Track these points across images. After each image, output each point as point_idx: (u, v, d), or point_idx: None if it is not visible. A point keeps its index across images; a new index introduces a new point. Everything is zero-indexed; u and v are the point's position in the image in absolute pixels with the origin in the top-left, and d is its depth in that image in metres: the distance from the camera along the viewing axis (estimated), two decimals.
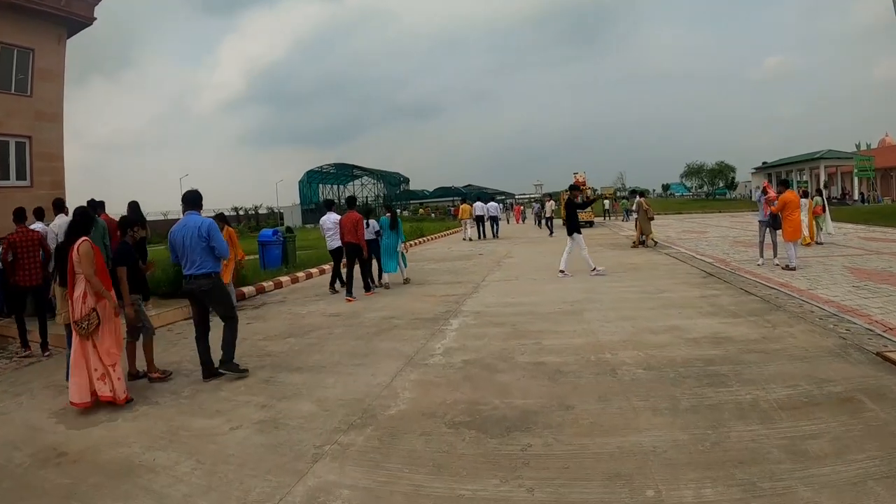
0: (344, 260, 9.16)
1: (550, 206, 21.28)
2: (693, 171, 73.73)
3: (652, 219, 14.42)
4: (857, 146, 48.74)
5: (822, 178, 46.68)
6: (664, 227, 23.84)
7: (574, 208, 9.98)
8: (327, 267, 11.63)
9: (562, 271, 9.62)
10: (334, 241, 9.31)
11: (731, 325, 5.85)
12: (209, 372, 4.72)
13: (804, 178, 49.12)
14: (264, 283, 10.61)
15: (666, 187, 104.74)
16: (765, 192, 10.04)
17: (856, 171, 43.00)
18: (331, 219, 9.53)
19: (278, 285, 10.91)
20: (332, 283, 9.75)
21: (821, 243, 13.19)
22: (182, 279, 4.79)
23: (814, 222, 13.12)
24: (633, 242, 14.55)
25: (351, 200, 10.14)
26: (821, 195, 14.37)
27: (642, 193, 16.76)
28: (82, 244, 4.16)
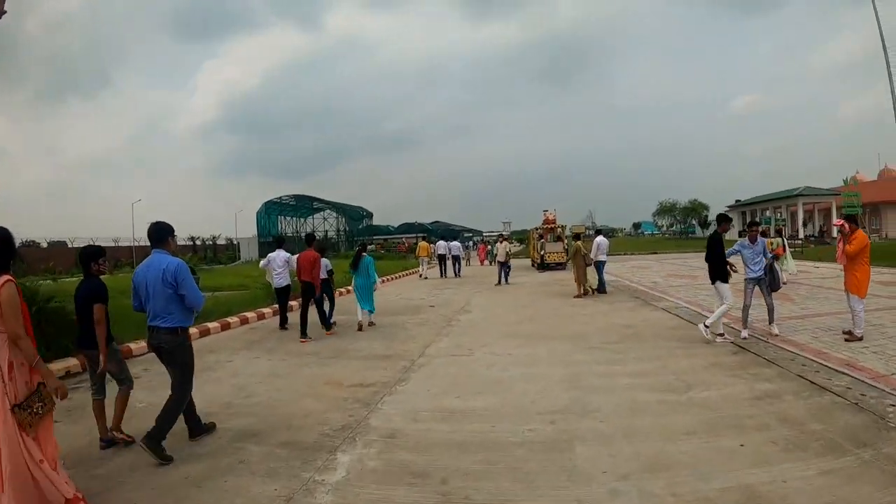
0: (296, 300, 9.69)
1: (504, 247, 18.95)
2: (665, 210, 77.30)
3: (589, 265, 13.70)
4: (845, 181, 50.86)
5: (801, 215, 48.08)
6: (644, 269, 23.59)
7: (722, 249, 7.74)
8: (238, 318, 10.91)
9: (720, 334, 7.69)
10: (281, 280, 9.96)
11: (845, 476, 3.46)
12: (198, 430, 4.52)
13: (782, 215, 50.35)
14: (131, 344, 8.27)
15: (637, 226, 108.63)
16: (840, 230, 7.85)
17: (844, 207, 44.09)
18: (280, 256, 10.03)
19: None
20: (281, 324, 10.22)
21: (784, 283, 13.34)
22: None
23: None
24: (578, 292, 13.68)
25: (310, 238, 10.15)
26: (780, 235, 16.46)
27: (600, 232, 16.30)
28: (4, 286, 3.13)
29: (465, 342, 8.46)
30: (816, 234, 45.18)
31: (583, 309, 11.66)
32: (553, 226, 25.36)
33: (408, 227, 72.19)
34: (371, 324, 10.17)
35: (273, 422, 5.02)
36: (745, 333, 7.77)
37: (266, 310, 12.20)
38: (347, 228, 66.15)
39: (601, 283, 14.27)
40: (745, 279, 7.83)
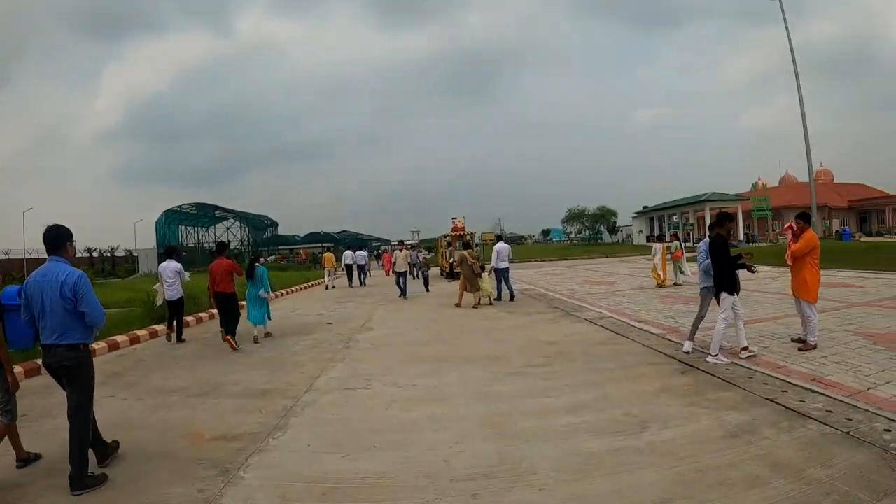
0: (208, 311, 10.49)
1: (405, 256, 17.89)
2: (574, 216, 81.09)
3: (478, 274, 13.80)
4: (754, 186, 56.42)
5: (708, 220, 51.77)
6: (558, 276, 24.03)
7: (727, 253, 6.88)
8: (106, 343, 10.01)
9: (745, 348, 6.79)
10: (172, 291, 10.09)
11: None
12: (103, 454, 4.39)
13: (690, 220, 53.97)
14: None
15: (546, 232, 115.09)
16: (792, 231, 7.48)
17: (754, 211, 48.39)
18: (170, 267, 10.18)
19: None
20: (168, 335, 10.25)
21: (679, 284, 16.00)
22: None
23: (667, 265, 16.25)
24: (459, 302, 14.01)
25: (222, 246, 10.50)
26: (678, 239, 17.81)
27: (500, 238, 16.54)
28: None
29: (362, 369, 7.41)
30: None
31: (497, 323, 11.06)
32: (462, 233, 25.85)
33: (314, 237, 73.80)
34: (268, 334, 10.34)
35: None
36: (688, 346, 7.33)
37: (141, 332, 11.06)
38: (251, 238, 67.51)
39: (509, 290, 14.54)
40: (703, 287, 7.38)
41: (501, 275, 14.57)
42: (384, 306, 15.39)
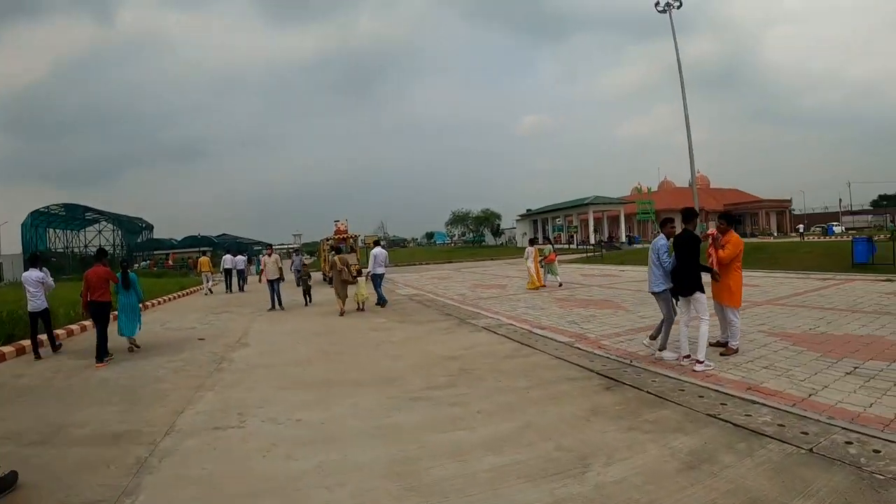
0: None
1: (275, 261, 16.42)
2: (458, 219, 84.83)
3: (348, 281, 14.07)
4: (639, 189, 61.14)
5: (591, 222, 55.99)
6: (446, 280, 24.08)
7: (690, 250, 6.70)
8: None
9: (699, 362, 6.43)
10: (36, 302, 9.94)
11: None
12: None
13: (573, 223, 57.44)
14: None
15: (430, 235, 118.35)
16: (713, 239, 7.34)
17: (638, 213, 52.06)
18: (33, 276, 10.04)
19: None
20: (34, 349, 9.86)
21: (561, 285, 17.24)
22: None
23: (540, 268, 17.33)
24: (339, 308, 14.00)
25: (101, 253, 10.55)
26: (551, 243, 19.33)
27: (378, 243, 16.90)
28: None
29: (235, 399, 6.33)
30: (606, 240, 51.95)
31: (388, 335, 10.23)
32: (345, 236, 26.06)
33: (192, 241, 73.89)
34: (135, 347, 10.02)
35: None
36: (669, 356, 7.04)
37: None
38: (124, 242, 66.62)
39: (379, 296, 14.79)
40: (663, 289, 7.05)
41: (377, 280, 14.89)
42: (263, 317, 14.49)
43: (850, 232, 52.19)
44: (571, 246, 52.09)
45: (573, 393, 5.62)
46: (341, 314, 13.52)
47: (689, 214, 7.01)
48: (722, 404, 5.00)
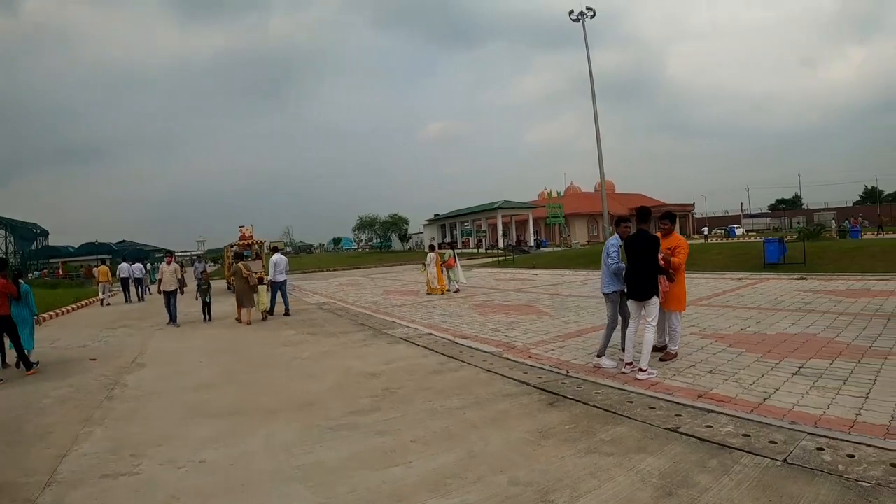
0: None
1: (173, 271, 14.80)
2: (366, 224, 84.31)
3: (254, 287, 13.85)
4: (549, 194, 63.05)
5: (500, 226, 57.73)
6: (355, 286, 23.77)
7: (648, 252, 6.48)
8: None
9: (642, 370, 6.27)
10: None
11: None
12: None
13: (482, 227, 60.25)
14: None
15: (337, 241, 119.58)
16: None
17: (548, 217, 54.09)
18: None
19: None
20: None
21: (458, 291, 17.63)
22: None
23: (443, 273, 17.72)
24: (240, 317, 14.04)
25: (2, 263, 9.85)
26: (452, 248, 19.51)
27: (276, 249, 17.06)
28: None
29: (128, 436, 5.47)
30: (514, 244, 52.99)
31: (300, 349, 9.56)
32: (250, 242, 25.82)
33: (91, 248, 71.46)
34: (28, 366, 9.21)
35: None
36: (629, 357, 6.77)
37: None
38: (18, 249, 61.28)
39: (285, 305, 14.77)
40: (613, 291, 6.94)
41: (278, 288, 14.71)
42: (162, 332, 13.46)
43: (750, 234, 57.14)
44: (480, 250, 52.63)
45: (514, 412, 5.18)
46: (246, 323, 13.34)
47: (643, 215, 6.81)
48: (677, 416, 4.78)
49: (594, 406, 5.19)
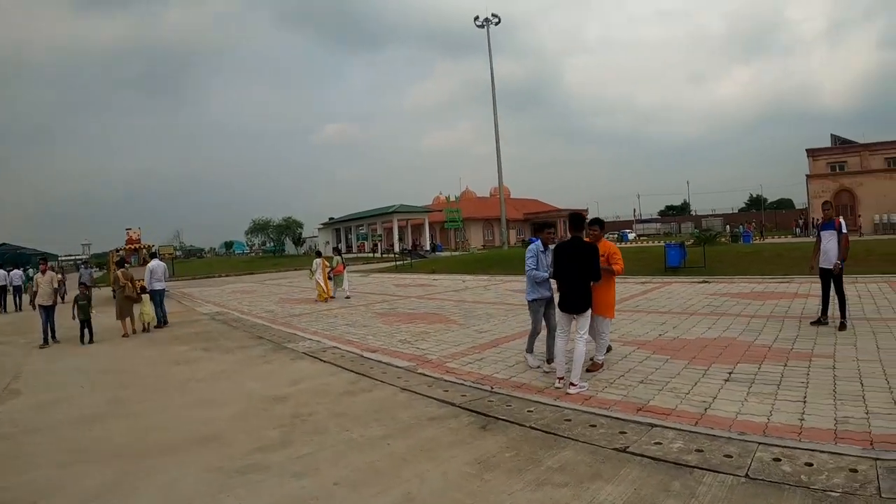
0: None
1: (49, 280, 12.92)
2: (259, 227, 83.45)
3: (132, 298, 13.31)
4: (448, 198, 64.12)
5: (396, 230, 58.45)
6: (250, 294, 23.04)
7: (584, 259, 6.30)
8: None
9: (573, 384, 6.08)
10: None
11: None
12: None
13: (378, 231, 61.22)
14: None
15: (229, 245, 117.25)
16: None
17: (447, 222, 56.16)
18: None
19: None
20: None
21: (348, 297, 17.82)
22: None
23: (328, 279, 17.98)
24: (124, 331, 13.30)
25: None
26: (339, 254, 19.56)
27: (155, 255, 16.30)
28: None
29: None
30: (410, 248, 53.09)
31: (194, 368, 8.84)
32: (138, 246, 26.15)
33: None
34: None
35: None
36: (560, 370, 6.56)
37: None
38: None
39: (162, 314, 14.32)
40: (536, 299, 7.04)
41: (157, 297, 14.20)
42: (41, 350, 12.01)
43: (641, 238, 61.42)
44: (376, 255, 52.33)
45: (445, 439, 4.77)
46: (124, 335, 12.74)
47: (577, 221, 6.56)
48: (622, 433, 4.62)
49: (531, 427, 4.91)
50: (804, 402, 5.08)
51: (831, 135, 57.01)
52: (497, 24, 42.78)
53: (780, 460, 3.93)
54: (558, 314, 6.43)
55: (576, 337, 6.17)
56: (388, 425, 5.21)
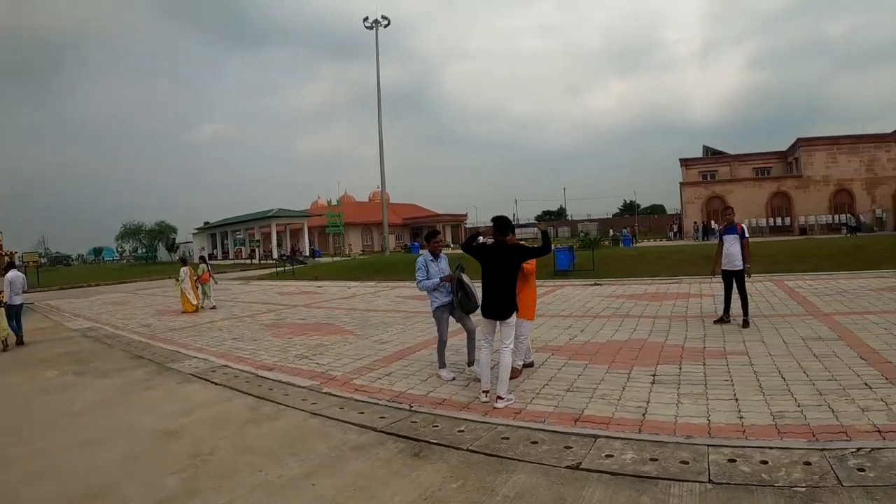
0: None
1: None
2: (130, 233, 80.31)
3: None
4: (330, 202, 63.61)
5: (275, 236, 57.64)
6: (124, 306, 21.09)
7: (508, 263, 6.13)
8: None
9: (500, 397, 5.69)
10: None
11: None
12: None
13: (255, 237, 59.25)
14: None
15: (98, 251, 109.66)
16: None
17: (329, 226, 55.92)
18: None
19: None
20: None
21: (214, 308, 17.09)
22: None
23: (197, 288, 17.24)
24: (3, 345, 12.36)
25: None
26: (205, 262, 18.79)
27: (13, 266, 14.63)
28: None
29: None
30: (289, 254, 51.36)
31: (69, 398, 7.49)
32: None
33: None
34: None
35: None
36: (451, 376, 6.82)
37: None
38: None
39: (18, 331, 13.07)
40: (437, 307, 6.96)
41: (15, 312, 12.97)
42: None
43: (521, 242, 63.15)
44: (254, 261, 50.22)
45: (378, 473, 4.17)
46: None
47: (503, 224, 6.31)
48: (567, 448, 4.33)
49: (469, 450, 4.44)
50: (736, 399, 5.13)
51: (704, 146, 62.01)
52: (386, 26, 42.54)
53: (735, 461, 3.90)
54: (482, 321, 6.10)
55: (501, 347, 5.86)
56: (308, 460, 4.52)
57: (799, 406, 4.83)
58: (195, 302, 16.74)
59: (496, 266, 5.97)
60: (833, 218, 44.43)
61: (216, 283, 18.37)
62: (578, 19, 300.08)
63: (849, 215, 42.92)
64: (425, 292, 7.08)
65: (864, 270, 15.41)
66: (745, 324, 8.52)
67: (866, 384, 5.38)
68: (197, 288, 17.18)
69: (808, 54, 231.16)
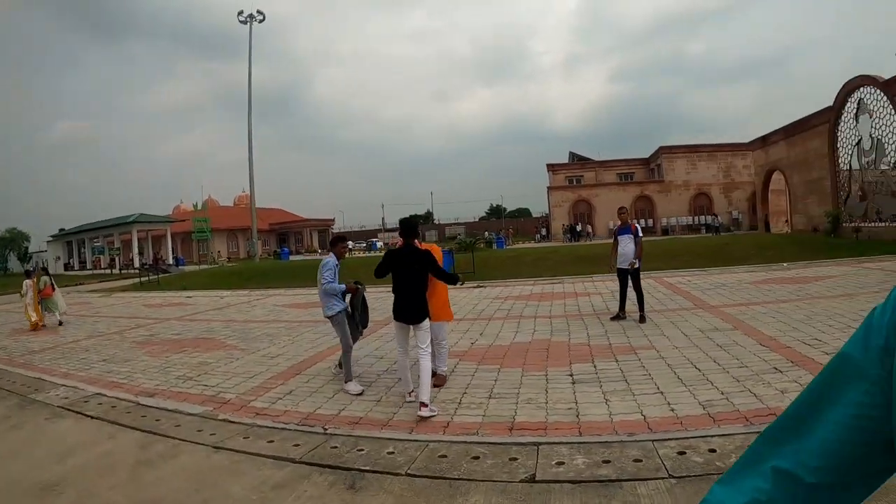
0: None
1: None
2: None
3: None
4: (195, 206, 61.57)
5: (136, 242, 53.76)
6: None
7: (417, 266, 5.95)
8: None
9: (424, 404, 5.36)
10: None
11: None
12: None
13: (115, 244, 55.39)
14: None
15: None
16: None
17: (194, 232, 52.54)
18: None
19: None
20: None
21: (62, 324, 15.45)
22: None
23: (39, 305, 15.75)
24: None
25: None
26: (47, 274, 17.41)
27: None
28: None
29: None
30: (152, 262, 47.94)
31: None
32: None
33: None
34: None
35: None
36: (355, 388, 6.54)
37: None
38: None
39: None
40: (339, 312, 6.79)
41: None
42: None
43: (387, 245, 64.01)
44: (114, 271, 46.42)
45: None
46: None
47: (410, 227, 6.14)
48: (513, 459, 4.12)
49: (409, 475, 4.02)
50: (661, 393, 5.24)
51: (570, 152, 65.45)
52: (261, 21, 40.88)
53: (685, 453, 3.94)
54: (394, 326, 5.93)
55: (418, 352, 5.63)
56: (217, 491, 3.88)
57: (723, 394, 5.02)
58: (35, 318, 15.11)
59: (405, 271, 5.84)
60: (693, 219, 49.08)
61: (61, 301, 16.63)
62: (449, 28, 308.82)
63: (713, 216, 47.30)
64: (318, 298, 7.00)
65: (733, 266, 16.81)
66: (642, 319, 8.84)
67: (776, 368, 5.74)
68: (40, 302, 15.63)
69: (669, 70, 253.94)
